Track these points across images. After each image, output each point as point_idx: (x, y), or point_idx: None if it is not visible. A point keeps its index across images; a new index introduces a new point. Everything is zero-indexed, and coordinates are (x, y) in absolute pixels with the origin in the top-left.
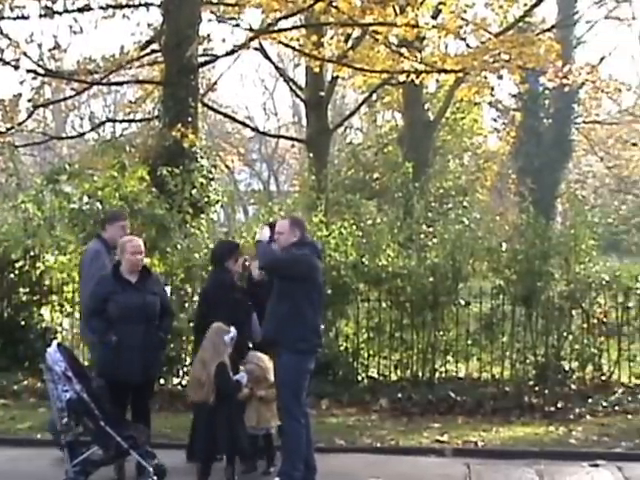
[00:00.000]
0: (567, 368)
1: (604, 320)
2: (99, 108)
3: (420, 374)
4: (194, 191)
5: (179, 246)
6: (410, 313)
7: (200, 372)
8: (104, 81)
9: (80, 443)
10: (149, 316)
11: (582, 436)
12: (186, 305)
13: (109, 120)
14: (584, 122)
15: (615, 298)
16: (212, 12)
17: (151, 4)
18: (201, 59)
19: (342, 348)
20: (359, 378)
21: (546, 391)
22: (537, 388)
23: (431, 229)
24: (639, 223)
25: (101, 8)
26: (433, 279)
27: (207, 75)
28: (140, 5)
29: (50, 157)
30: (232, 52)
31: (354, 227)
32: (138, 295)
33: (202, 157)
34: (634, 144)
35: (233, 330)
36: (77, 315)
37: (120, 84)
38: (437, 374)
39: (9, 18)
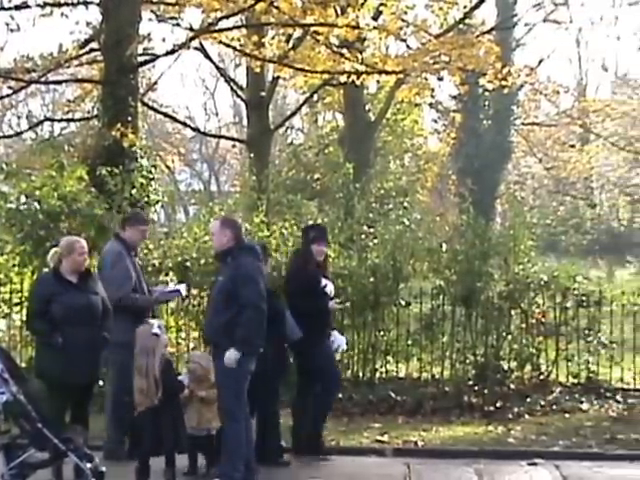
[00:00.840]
0: (506, 368)
1: (542, 320)
2: (37, 107)
3: (361, 374)
4: (134, 191)
5: None
6: (351, 313)
7: (140, 381)
8: (42, 80)
9: (17, 446)
10: (93, 316)
11: (521, 435)
12: None
13: (47, 119)
14: (523, 124)
15: (553, 298)
16: (152, 11)
17: (90, 2)
18: (141, 58)
19: None
20: None
21: (485, 391)
22: (476, 388)
23: (372, 230)
24: (577, 224)
25: (39, 6)
26: (374, 279)
27: (147, 74)
28: (79, 3)
29: None
30: (172, 52)
31: (295, 228)
32: (81, 295)
33: (142, 157)
34: (572, 146)
35: (156, 321)
36: (15, 317)
37: (59, 83)
38: (377, 374)
39: None
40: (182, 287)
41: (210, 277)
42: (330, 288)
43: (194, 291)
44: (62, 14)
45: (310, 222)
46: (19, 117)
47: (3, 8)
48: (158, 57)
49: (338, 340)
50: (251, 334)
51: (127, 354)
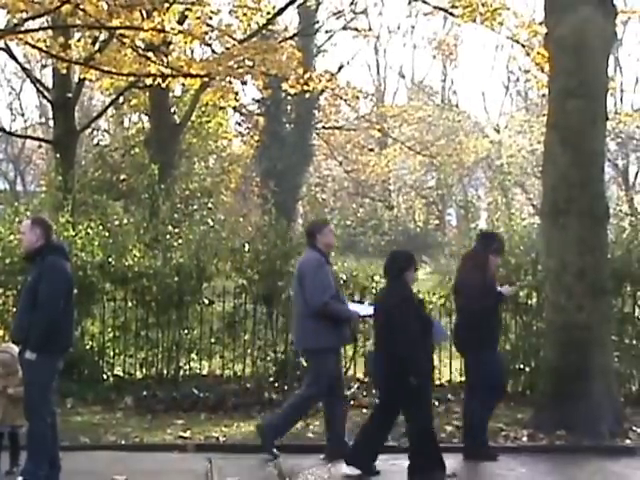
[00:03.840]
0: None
1: None
2: None
3: (165, 372)
4: None
5: None
6: (156, 312)
7: None
8: None
9: None
10: None
11: (319, 430)
12: None
13: None
14: (324, 127)
15: (352, 297)
16: None
17: None
18: None
19: (88, 347)
20: (104, 377)
21: (285, 387)
22: (277, 384)
23: (177, 230)
24: (375, 225)
25: None
26: (178, 279)
27: None
28: None
29: None
30: None
31: (101, 227)
32: None
33: None
34: (371, 149)
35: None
36: None
37: None
38: (182, 372)
39: None
40: None
41: (16, 276)
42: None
43: None
44: None
45: (116, 222)
46: None
47: None
48: None
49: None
50: (41, 333)
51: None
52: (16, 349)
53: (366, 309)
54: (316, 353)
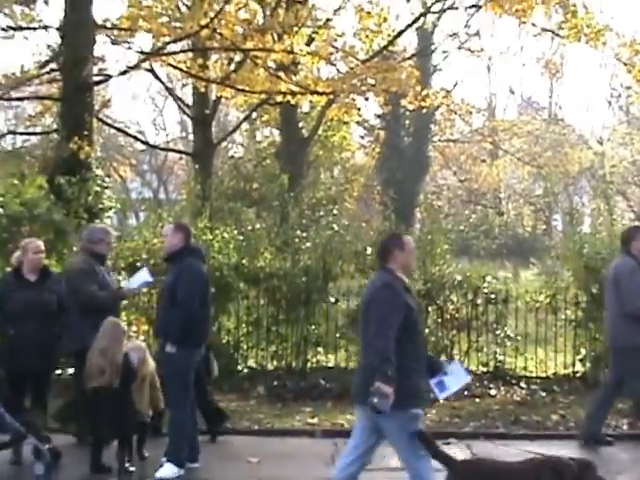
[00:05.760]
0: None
1: (456, 315)
2: (1, 121)
3: (294, 364)
4: (89, 198)
5: (75, 248)
6: (285, 309)
7: (100, 360)
8: (5, 96)
9: None
10: (46, 312)
11: (436, 418)
12: None
13: (10, 132)
14: (440, 140)
15: (465, 296)
16: (107, 35)
17: (49, 27)
18: (96, 78)
19: (224, 341)
20: (239, 368)
21: None
22: None
23: (304, 234)
24: (486, 230)
25: (2, 29)
26: (306, 279)
27: (102, 92)
28: (39, 28)
29: None
30: (125, 72)
31: (235, 232)
32: (35, 293)
33: (97, 167)
34: (483, 160)
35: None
36: None
37: (21, 99)
38: (309, 364)
39: None
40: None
41: (159, 276)
42: None
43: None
44: (24, 37)
45: (249, 227)
46: None
47: None
48: (111, 77)
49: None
50: (179, 329)
51: None
52: (142, 345)
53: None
54: (628, 351)
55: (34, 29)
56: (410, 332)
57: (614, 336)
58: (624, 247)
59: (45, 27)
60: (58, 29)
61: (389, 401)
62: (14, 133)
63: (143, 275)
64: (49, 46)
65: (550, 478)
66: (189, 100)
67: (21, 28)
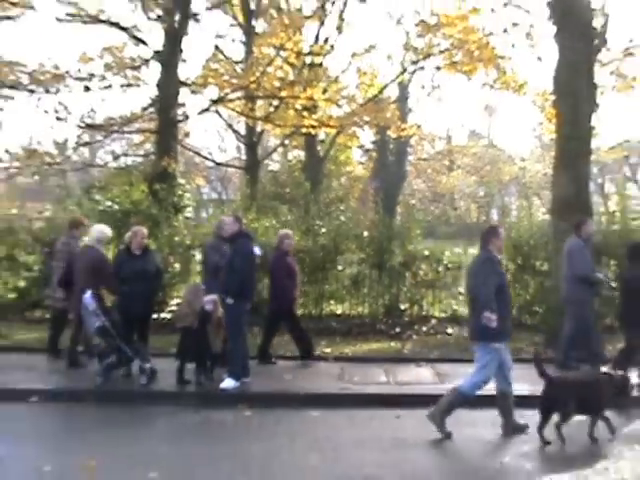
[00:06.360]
0: (402, 308)
1: (424, 278)
2: (117, 146)
3: (313, 311)
4: (175, 199)
5: (165, 232)
6: (308, 274)
7: (186, 308)
8: (120, 130)
9: (105, 353)
10: (146, 277)
11: (412, 348)
12: (168, 268)
13: (123, 155)
14: (413, 159)
15: (431, 265)
16: (187, 88)
17: (147, 83)
18: (180, 117)
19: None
20: None
21: (390, 321)
22: (385, 320)
23: (321, 223)
24: (445, 220)
25: (120, 86)
26: (322, 253)
27: (184, 127)
28: (143, 84)
29: (87, 177)
30: (200, 113)
31: (274, 222)
32: (140, 263)
33: (180, 178)
34: (443, 173)
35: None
36: None
37: (130, 132)
38: (323, 311)
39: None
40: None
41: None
42: None
43: None
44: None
45: (283, 218)
46: (106, 153)
47: (87, 88)
48: (189, 117)
49: None
50: (235, 287)
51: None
52: (216, 298)
53: None
54: (576, 302)
55: (138, 85)
56: (501, 291)
57: (567, 292)
58: (576, 231)
59: (145, 83)
60: (157, 85)
61: (494, 322)
62: (126, 155)
63: (256, 249)
64: (151, 98)
65: (607, 384)
66: (242, 131)
67: (129, 85)
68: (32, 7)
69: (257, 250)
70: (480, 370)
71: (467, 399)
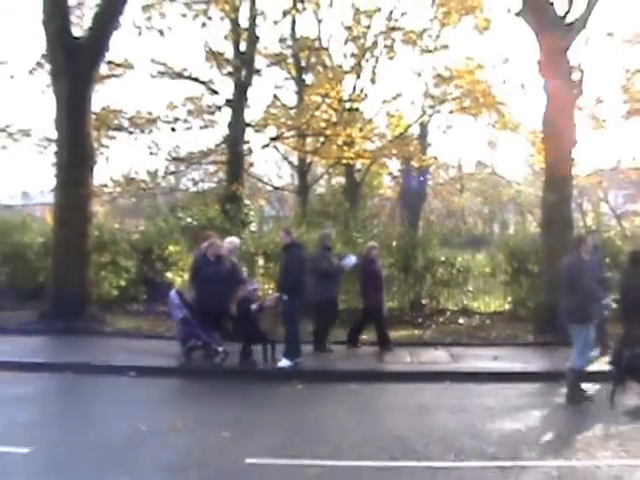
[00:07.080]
0: (424, 302)
1: (441, 279)
2: (196, 174)
3: (354, 306)
4: (242, 216)
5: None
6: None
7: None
8: (200, 162)
9: (187, 338)
10: (220, 279)
11: (431, 335)
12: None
13: (201, 181)
14: (432, 183)
15: (446, 268)
16: (252, 128)
17: (220, 125)
18: (245, 151)
19: None
20: None
21: (414, 313)
22: (410, 312)
23: (359, 235)
24: (457, 232)
25: (200, 128)
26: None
27: (248, 159)
28: (217, 125)
29: (172, 199)
30: (262, 148)
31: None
32: (214, 268)
33: (246, 199)
34: (455, 194)
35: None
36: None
37: (206, 163)
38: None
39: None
40: (353, 258)
41: (277, 257)
42: None
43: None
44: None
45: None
46: (188, 180)
47: (173, 129)
48: (252, 151)
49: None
50: (289, 286)
51: None
52: (275, 295)
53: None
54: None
55: (213, 127)
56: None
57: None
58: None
59: (219, 125)
60: (228, 126)
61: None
62: (203, 182)
63: (353, 258)
64: (223, 136)
65: None
66: (295, 162)
67: (206, 126)
68: (132, 67)
69: (353, 259)
70: (585, 346)
71: (582, 372)
